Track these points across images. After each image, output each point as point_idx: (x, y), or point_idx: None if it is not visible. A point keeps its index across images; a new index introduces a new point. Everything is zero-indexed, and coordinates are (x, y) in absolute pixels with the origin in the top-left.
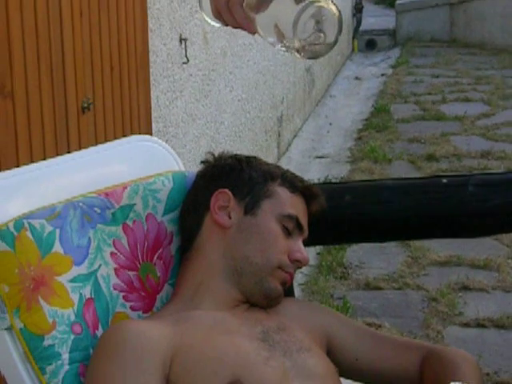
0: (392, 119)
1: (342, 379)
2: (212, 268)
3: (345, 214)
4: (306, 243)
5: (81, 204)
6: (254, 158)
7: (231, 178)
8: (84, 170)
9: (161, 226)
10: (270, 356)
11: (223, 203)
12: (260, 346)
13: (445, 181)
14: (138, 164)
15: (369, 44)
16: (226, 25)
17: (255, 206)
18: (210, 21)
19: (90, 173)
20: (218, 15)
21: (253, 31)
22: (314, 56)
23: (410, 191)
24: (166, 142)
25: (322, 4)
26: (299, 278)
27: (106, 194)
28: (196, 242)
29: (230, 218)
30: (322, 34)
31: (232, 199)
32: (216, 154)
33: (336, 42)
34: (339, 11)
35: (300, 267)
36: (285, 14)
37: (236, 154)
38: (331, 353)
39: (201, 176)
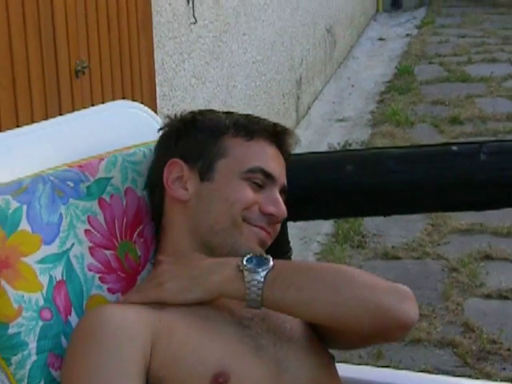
0: (416, 81)
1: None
2: (180, 249)
3: (346, 186)
4: (305, 217)
5: (51, 178)
6: (202, 112)
7: (179, 144)
8: (58, 139)
9: (141, 201)
10: (258, 346)
11: (177, 174)
12: (246, 334)
13: (455, 148)
14: (120, 133)
15: (394, 3)
16: None
17: (210, 170)
18: None
19: (64, 143)
20: None
21: None
22: None
23: (416, 160)
24: (173, 106)
25: None
26: (314, 246)
27: (80, 167)
28: (162, 223)
29: (186, 189)
30: None
31: (185, 168)
32: (173, 116)
33: None
34: None
35: (277, 222)
36: None
37: (190, 112)
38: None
39: (155, 148)
